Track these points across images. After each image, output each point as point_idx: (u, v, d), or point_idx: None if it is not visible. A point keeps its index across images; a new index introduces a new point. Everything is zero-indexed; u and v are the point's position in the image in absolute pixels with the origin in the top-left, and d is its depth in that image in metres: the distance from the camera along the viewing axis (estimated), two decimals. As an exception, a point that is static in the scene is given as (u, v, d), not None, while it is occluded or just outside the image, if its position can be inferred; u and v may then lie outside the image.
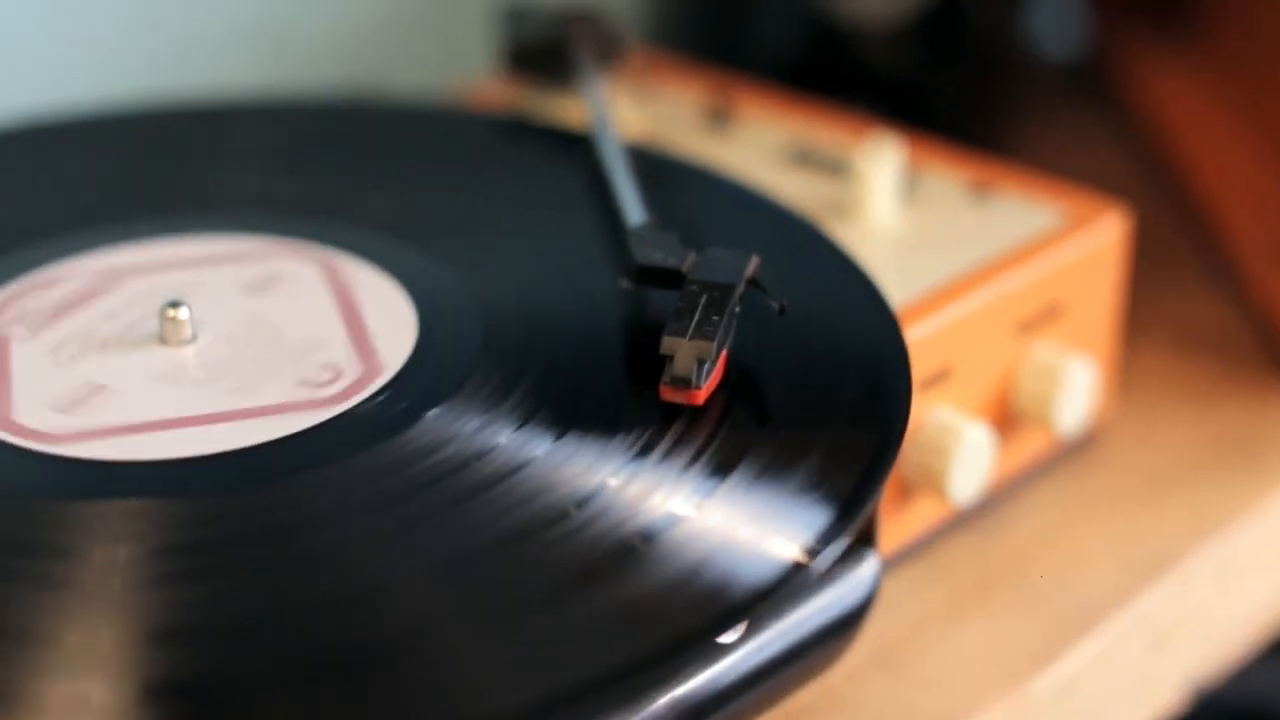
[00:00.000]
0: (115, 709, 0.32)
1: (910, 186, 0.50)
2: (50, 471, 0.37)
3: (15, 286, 0.43)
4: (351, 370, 0.39)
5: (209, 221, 0.46)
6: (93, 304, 0.42)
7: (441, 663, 0.32)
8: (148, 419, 0.38)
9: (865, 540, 0.38)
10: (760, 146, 0.53)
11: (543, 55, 0.55)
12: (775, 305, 0.40)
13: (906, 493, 0.45)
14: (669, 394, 0.38)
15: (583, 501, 0.35)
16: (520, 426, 0.37)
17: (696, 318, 0.38)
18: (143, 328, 0.41)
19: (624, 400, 0.38)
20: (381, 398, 0.38)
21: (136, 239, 0.45)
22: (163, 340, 0.41)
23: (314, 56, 0.65)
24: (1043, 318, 0.47)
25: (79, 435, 0.38)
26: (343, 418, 0.38)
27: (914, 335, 0.43)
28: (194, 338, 0.41)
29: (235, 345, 0.41)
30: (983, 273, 0.46)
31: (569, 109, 0.54)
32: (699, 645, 0.33)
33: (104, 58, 0.61)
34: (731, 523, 0.35)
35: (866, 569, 0.38)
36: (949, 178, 0.51)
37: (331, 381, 0.39)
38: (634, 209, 0.44)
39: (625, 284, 0.41)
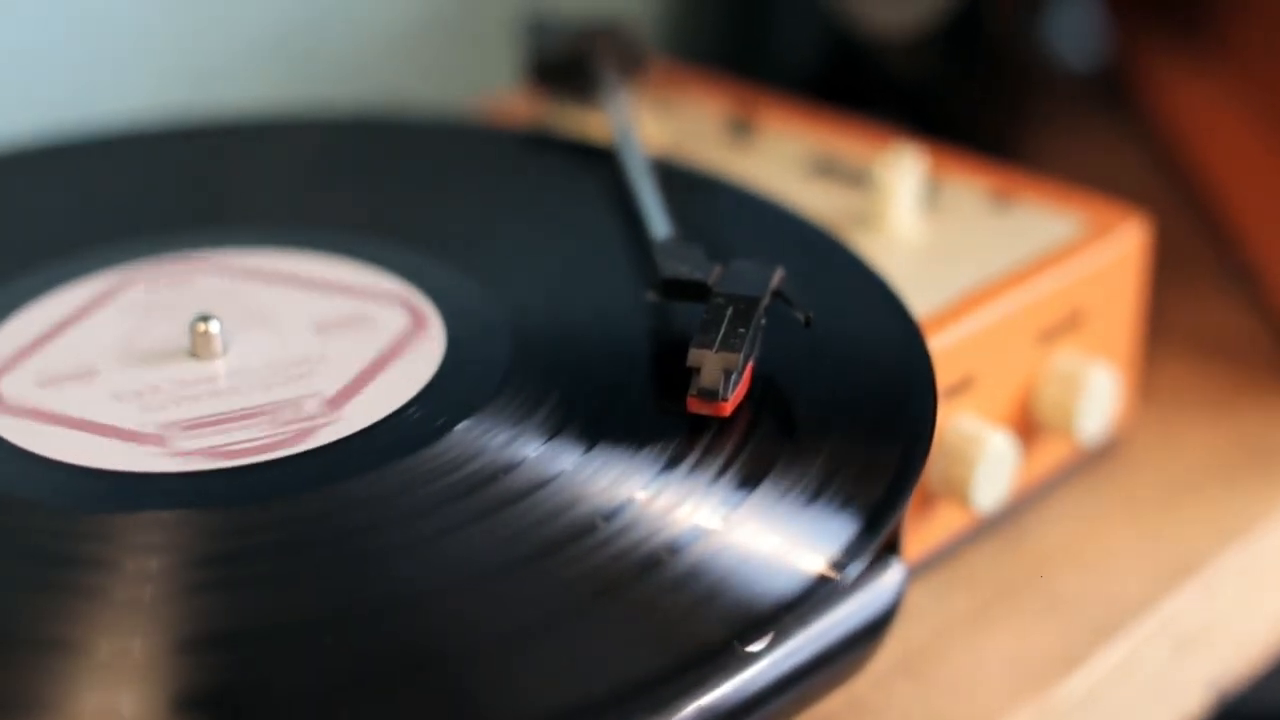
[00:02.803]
0: (146, 719, 0.32)
1: (931, 196, 0.51)
2: (81, 483, 0.37)
3: (41, 304, 0.44)
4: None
5: (235, 235, 0.46)
6: (122, 318, 0.43)
7: (470, 674, 0.33)
8: (175, 431, 0.39)
9: (890, 548, 0.38)
10: (782, 158, 0.53)
11: (565, 69, 0.56)
12: (801, 317, 0.40)
13: (930, 501, 0.45)
14: (696, 406, 0.38)
15: (611, 514, 0.36)
16: (549, 440, 0.38)
17: (723, 330, 0.39)
18: (173, 342, 0.42)
19: (651, 413, 0.39)
20: (410, 411, 0.39)
21: (165, 254, 0.45)
22: (193, 354, 0.41)
23: (337, 72, 0.66)
24: (1064, 326, 0.48)
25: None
26: (372, 430, 0.38)
27: (937, 345, 0.43)
28: (224, 351, 0.41)
29: (263, 359, 0.41)
30: (1004, 282, 0.46)
31: (592, 122, 0.54)
32: (726, 655, 0.34)
33: (129, 74, 0.61)
34: (758, 535, 0.36)
35: (892, 577, 0.38)
36: (970, 187, 0.51)
37: (358, 395, 0.39)
38: (659, 222, 0.45)
39: (651, 297, 0.42)
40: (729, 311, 0.39)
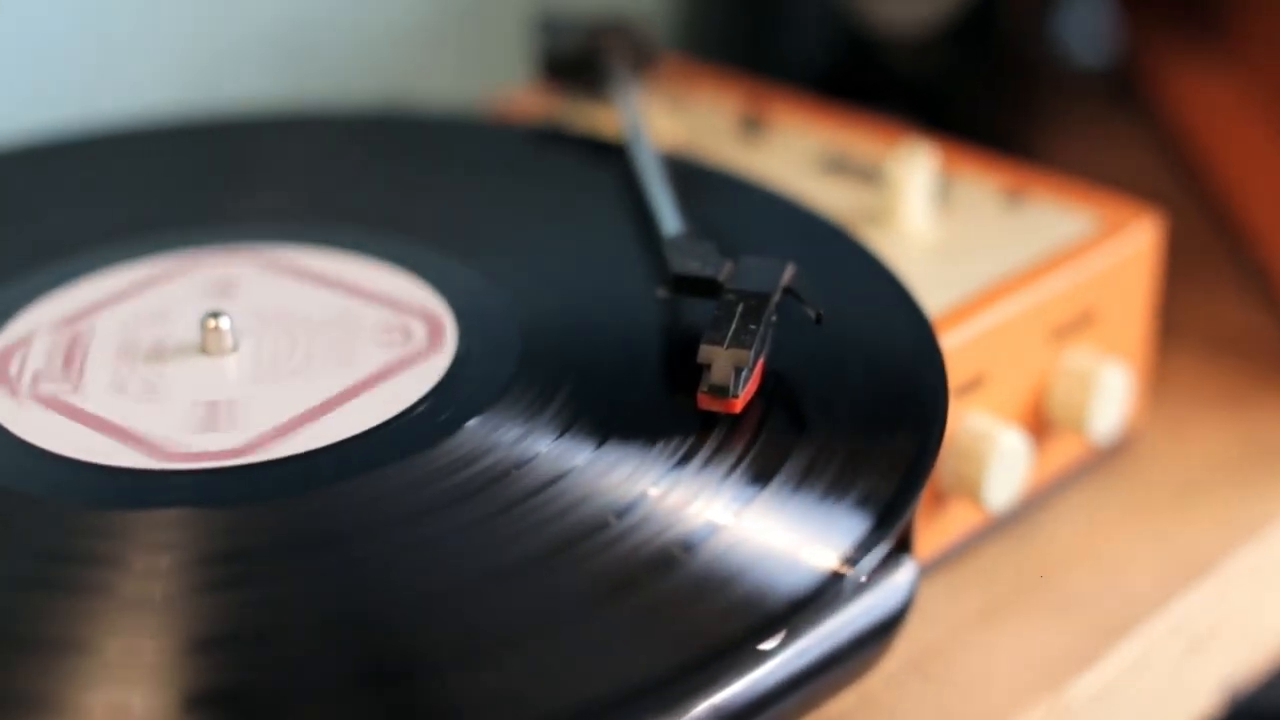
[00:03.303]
0: (157, 718, 0.32)
1: (944, 193, 0.51)
2: (91, 480, 0.37)
3: (55, 298, 0.44)
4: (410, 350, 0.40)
5: (246, 232, 0.46)
6: (133, 314, 0.43)
7: (481, 672, 0.33)
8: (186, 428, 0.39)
9: (902, 547, 0.38)
10: (794, 154, 0.53)
11: (577, 65, 0.56)
12: (812, 314, 0.40)
13: (942, 499, 0.45)
14: (707, 402, 0.38)
15: (622, 511, 0.36)
16: (560, 436, 0.38)
17: (734, 326, 0.38)
18: (184, 337, 0.42)
19: (662, 409, 0.39)
20: (422, 407, 0.39)
21: (178, 250, 0.45)
22: (204, 350, 0.41)
23: (348, 68, 0.66)
24: (1076, 324, 0.47)
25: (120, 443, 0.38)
26: (383, 427, 0.38)
27: (949, 342, 0.43)
28: (234, 348, 0.41)
29: (273, 356, 0.41)
30: (1017, 279, 0.46)
31: (603, 118, 0.54)
32: (738, 652, 0.33)
33: (137, 70, 0.61)
34: (770, 531, 0.35)
35: (903, 575, 0.38)
36: (982, 184, 0.51)
37: (368, 392, 0.39)
38: (670, 218, 0.45)
39: (662, 293, 0.42)
40: (740, 308, 0.39)
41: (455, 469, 0.37)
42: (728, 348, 0.38)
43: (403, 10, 0.66)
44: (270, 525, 0.36)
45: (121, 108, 0.60)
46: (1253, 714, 0.54)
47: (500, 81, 0.65)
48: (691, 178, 0.48)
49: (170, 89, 0.62)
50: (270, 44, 0.64)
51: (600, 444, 0.37)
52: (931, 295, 0.45)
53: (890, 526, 0.36)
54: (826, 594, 0.35)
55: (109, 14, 0.60)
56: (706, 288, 0.41)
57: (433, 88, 0.67)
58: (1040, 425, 0.48)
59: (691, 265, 0.41)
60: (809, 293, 0.40)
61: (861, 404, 0.39)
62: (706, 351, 0.38)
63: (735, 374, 0.38)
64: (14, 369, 0.41)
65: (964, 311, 0.45)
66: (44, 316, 0.43)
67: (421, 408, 0.39)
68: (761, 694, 0.34)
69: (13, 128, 0.56)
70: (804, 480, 0.37)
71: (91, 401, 0.40)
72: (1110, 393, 0.47)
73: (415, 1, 0.67)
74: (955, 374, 0.43)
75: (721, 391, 0.38)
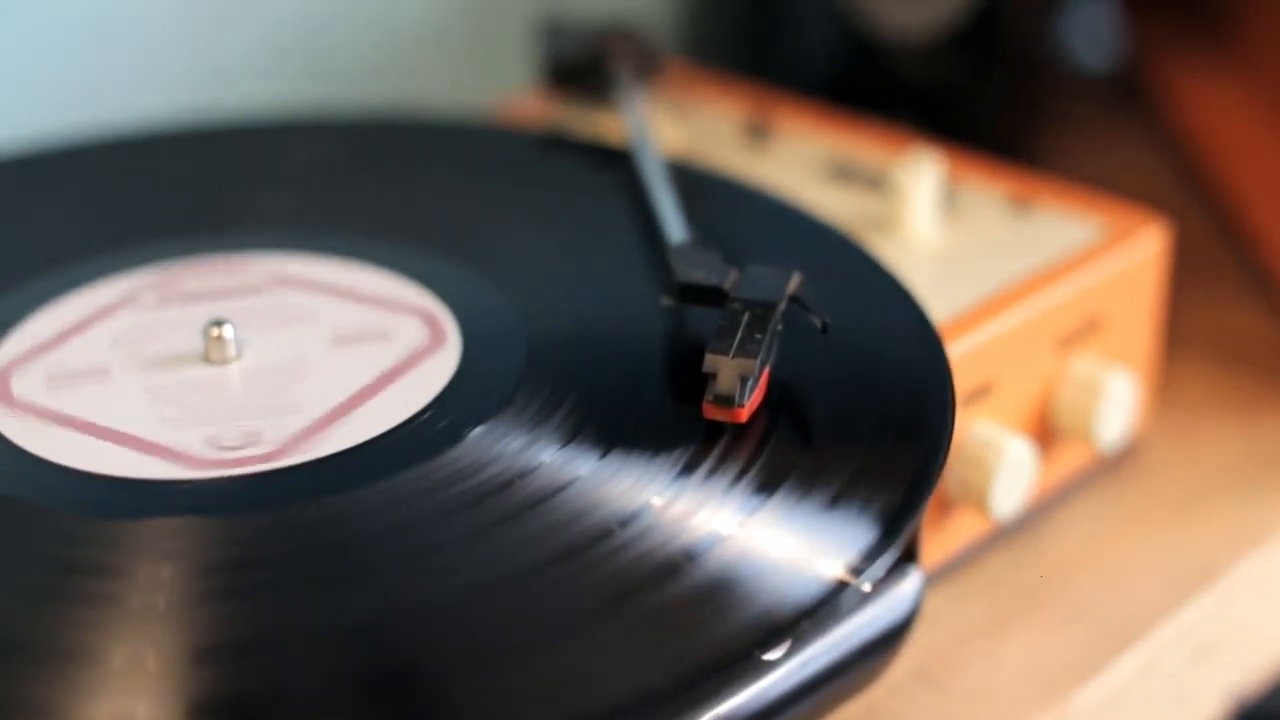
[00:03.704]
0: (162, 727, 0.32)
1: (949, 201, 0.50)
2: (93, 490, 0.37)
3: (56, 308, 0.43)
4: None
5: (249, 239, 0.46)
6: (134, 323, 0.43)
7: (485, 682, 0.32)
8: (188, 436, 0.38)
9: (908, 556, 0.38)
10: (799, 161, 0.53)
11: (581, 71, 0.56)
12: (818, 323, 0.40)
13: (948, 507, 0.45)
14: (712, 412, 0.38)
15: (627, 520, 0.36)
16: (564, 445, 0.38)
17: (739, 336, 0.38)
18: (186, 346, 0.42)
19: (667, 418, 0.38)
20: (425, 416, 0.39)
21: (179, 257, 0.45)
22: (206, 359, 0.41)
23: (352, 73, 0.66)
24: (1083, 331, 0.47)
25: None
26: (388, 436, 0.38)
27: (955, 351, 0.43)
28: (237, 356, 0.41)
29: (277, 364, 0.41)
30: (1023, 287, 0.46)
31: (608, 124, 0.54)
32: (743, 663, 0.33)
33: (141, 77, 0.61)
34: (776, 541, 0.35)
35: (909, 584, 0.38)
36: (988, 191, 0.51)
37: (373, 400, 0.39)
38: (675, 226, 0.44)
39: (667, 302, 0.42)
40: (745, 317, 0.39)
41: (459, 478, 0.37)
42: (733, 357, 0.38)
43: (408, 16, 0.66)
44: (274, 535, 0.36)
45: (123, 114, 0.60)
46: (1259, 722, 0.54)
47: (505, 87, 0.65)
48: (696, 185, 0.48)
49: (173, 95, 0.62)
50: (274, 49, 0.64)
51: (604, 453, 0.37)
52: (937, 303, 0.45)
53: (896, 536, 0.36)
54: (832, 604, 0.34)
55: (112, 20, 0.60)
56: (712, 296, 0.40)
57: (437, 93, 0.67)
58: (1046, 433, 0.47)
59: (696, 274, 0.41)
60: (815, 301, 0.40)
61: (868, 413, 0.39)
62: (712, 361, 0.38)
63: (741, 383, 0.38)
64: (16, 384, 0.41)
65: (970, 320, 0.45)
66: (45, 328, 0.43)
67: (425, 417, 0.39)
68: (766, 704, 0.34)
69: (12, 135, 0.56)
70: (809, 490, 0.36)
71: (93, 410, 0.39)
72: (1116, 401, 0.47)
73: (420, 7, 0.66)
74: (961, 382, 0.43)
75: (727, 401, 0.38)
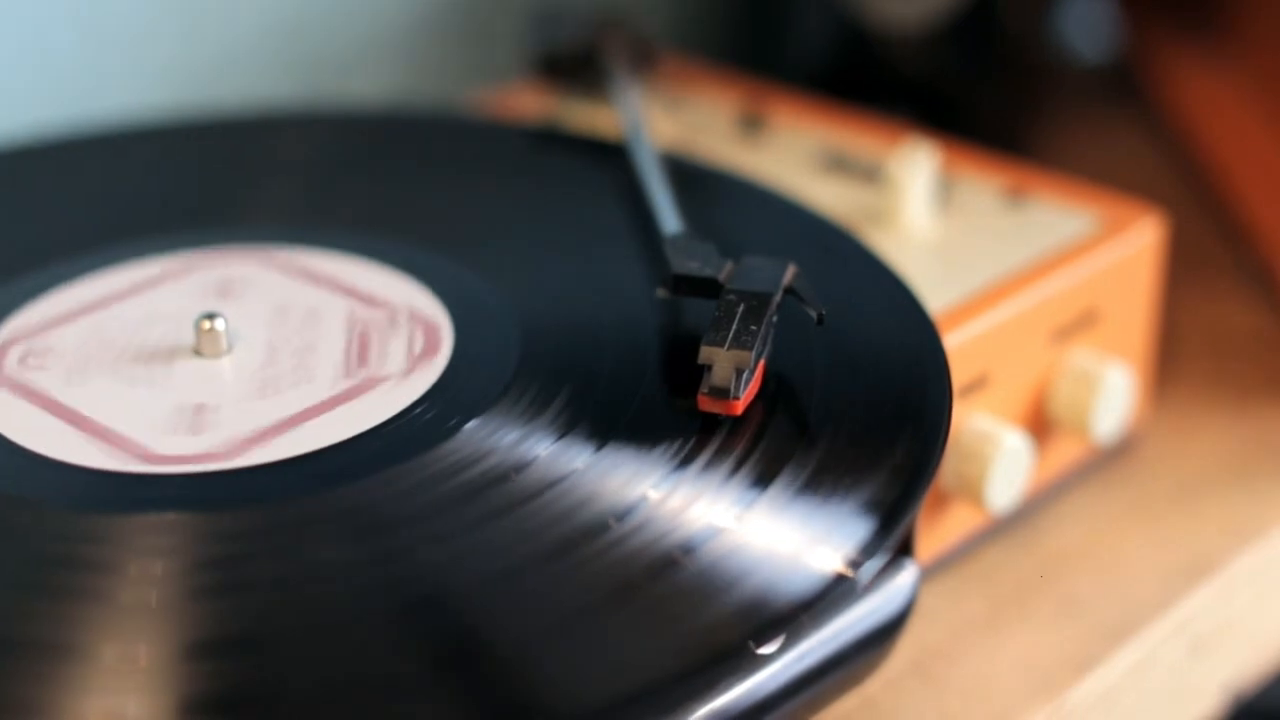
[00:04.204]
0: (154, 724, 0.32)
1: (945, 193, 0.50)
2: (85, 484, 0.37)
3: (54, 297, 0.43)
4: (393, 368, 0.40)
5: (236, 233, 0.46)
6: (129, 314, 0.42)
7: (481, 676, 0.32)
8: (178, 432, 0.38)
9: (904, 549, 0.38)
10: (794, 153, 0.53)
11: (575, 63, 0.55)
12: (813, 314, 0.40)
13: (944, 501, 0.45)
14: (707, 404, 0.38)
15: (623, 514, 0.35)
16: (559, 438, 0.37)
17: (734, 327, 0.38)
18: (177, 339, 0.41)
19: (663, 411, 0.38)
20: (420, 409, 0.38)
21: (168, 251, 0.45)
22: (198, 352, 0.41)
23: (344, 67, 0.65)
24: (1079, 324, 0.47)
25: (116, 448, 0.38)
26: (381, 429, 0.38)
27: (951, 342, 0.43)
28: (229, 349, 0.41)
29: (269, 357, 0.41)
30: (1019, 279, 0.46)
31: (602, 117, 0.54)
32: (738, 656, 0.33)
33: (134, 72, 0.61)
34: (772, 534, 0.35)
35: (905, 578, 0.37)
36: (983, 184, 0.51)
37: (367, 393, 0.39)
38: (670, 218, 0.44)
39: (662, 293, 0.41)
40: (741, 309, 0.39)
41: (454, 472, 0.36)
42: (728, 349, 0.38)
43: (401, 9, 0.66)
44: (266, 529, 0.35)
45: (121, 108, 0.59)
46: (1256, 716, 0.54)
47: (498, 80, 0.65)
48: (691, 177, 0.48)
49: (169, 90, 0.61)
50: (268, 44, 0.64)
51: (600, 446, 0.37)
52: (933, 295, 0.44)
53: (892, 529, 0.36)
54: (828, 597, 0.34)
55: (109, 13, 0.60)
56: (707, 288, 0.40)
57: (431, 86, 0.67)
58: (1042, 426, 0.47)
59: (692, 265, 0.41)
60: (810, 293, 0.40)
61: (863, 405, 0.39)
62: (707, 353, 0.38)
63: (736, 375, 0.37)
64: (2, 374, 0.40)
65: (966, 312, 0.45)
66: (33, 320, 0.43)
67: (419, 410, 0.38)
68: (762, 698, 0.34)
69: (10, 127, 0.56)
70: (805, 483, 0.36)
71: (83, 402, 0.39)
72: (1113, 393, 0.47)
73: (413, 0, 0.66)
74: (958, 374, 0.43)
75: (722, 393, 0.37)
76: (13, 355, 0.41)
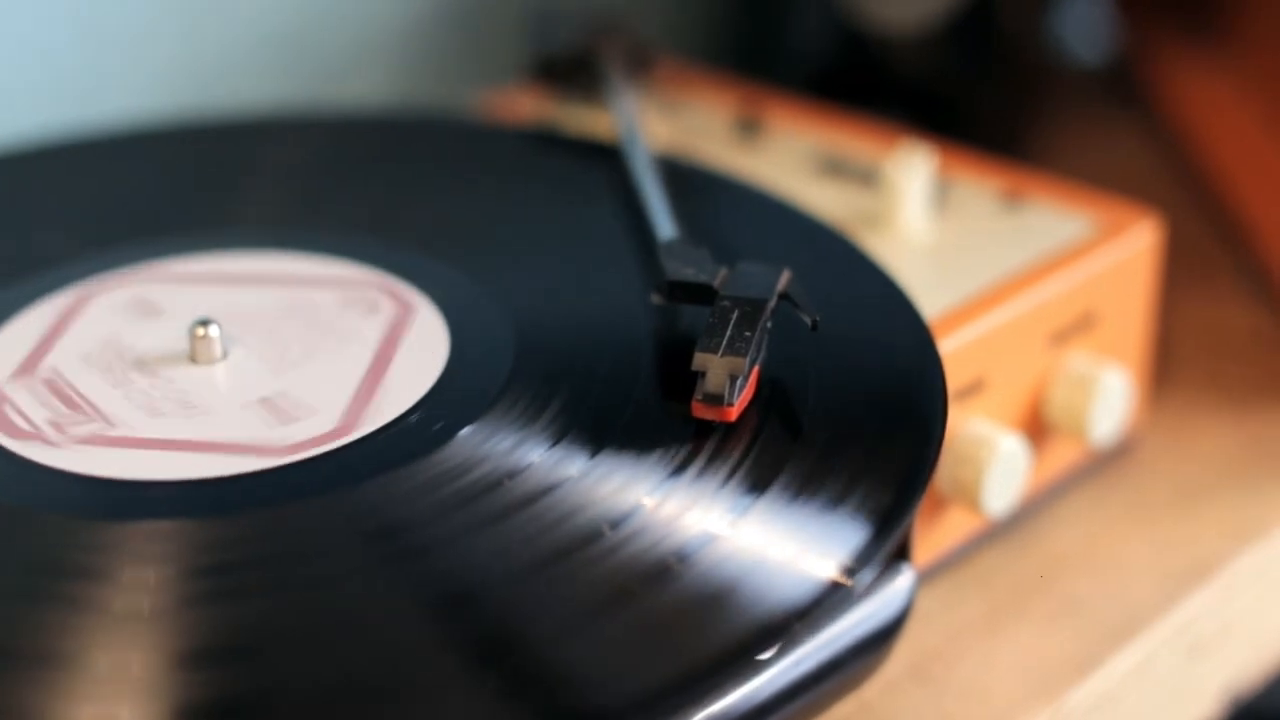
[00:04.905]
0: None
1: (941, 196, 0.50)
2: (78, 491, 0.37)
3: (50, 302, 0.43)
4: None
5: (233, 237, 0.46)
6: (124, 321, 0.42)
7: (475, 685, 0.32)
8: (176, 438, 0.38)
9: (900, 554, 0.38)
10: (790, 157, 0.53)
11: (571, 67, 0.55)
12: (808, 320, 0.40)
13: (940, 505, 0.45)
14: (701, 411, 0.38)
15: (617, 521, 0.35)
16: (553, 445, 0.37)
17: (728, 334, 0.38)
18: (173, 346, 0.41)
19: (657, 418, 0.38)
20: (413, 416, 0.38)
21: (168, 256, 0.45)
22: (193, 359, 0.41)
23: (340, 70, 0.65)
24: (1076, 327, 0.47)
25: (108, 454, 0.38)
26: (376, 436, 0.38)
27: (947, 347, 0.43)
28: (224, 356, 0.41)
29: (263, 363, 0.41)
30: (1015, 283, 0.46)
31: (598, 120, 0.54)
32: (734, 663, 0.33)
33: (132, 75, 0.61)
34: (767, 540, 0.35)
35: (902, 583, 0.37)
36: (980, 187, 0.51)
37: (359, 400, 0.39)
38: (664, 223, 0.44)
39: (656, 299, 0.41)
40: (735, 315, 0.39)
41: (447, 479, 0.36)
42: (722, 355, 0.38)
43: (397, 12, 0.66)
44: (259, 536, 0.35)
45: (121, 110, 0.59)
46: (1256, 718, 0.54)
47: (495, 83, 0.65)
48: (686, 181, 0.48)
49: (169, 92, 0.61)
50: (266, 47, 0.63)
51: (594, 453, 0.37)
52: (929, 299, 0.44)
53: (889, 535, 0.35)
54: (824, 603, 0.34)
55: (109, 15, 0.60)
56: (701, 294, 0.40)
57: (427, 90, 0.67)
58: (1040, 430, 0.47)
59: (686, 271, 0.41)
60: (804, 299, 0.40)
61: (859, 410, 0.39)
62: (701, 359, 0.38)
63: (730, 382, 0.37)
64: (19, 419, 0.40)
65: (962, 315, 0.44)
66: (32, 323, 0.42)
67: (413, 416, 0.38)
68: (759, 703, 0.34)
69: (10, 128, 0.56)
70: (801, 489, 0.36)
71: (132, 427, 0.39)
72: (1110, 396, 0.47)
73: (409, 4, 0.66)
74: (954, 378, 0.43)
75: (716, 399, 0.37)
76: (3, 371, 0.41)
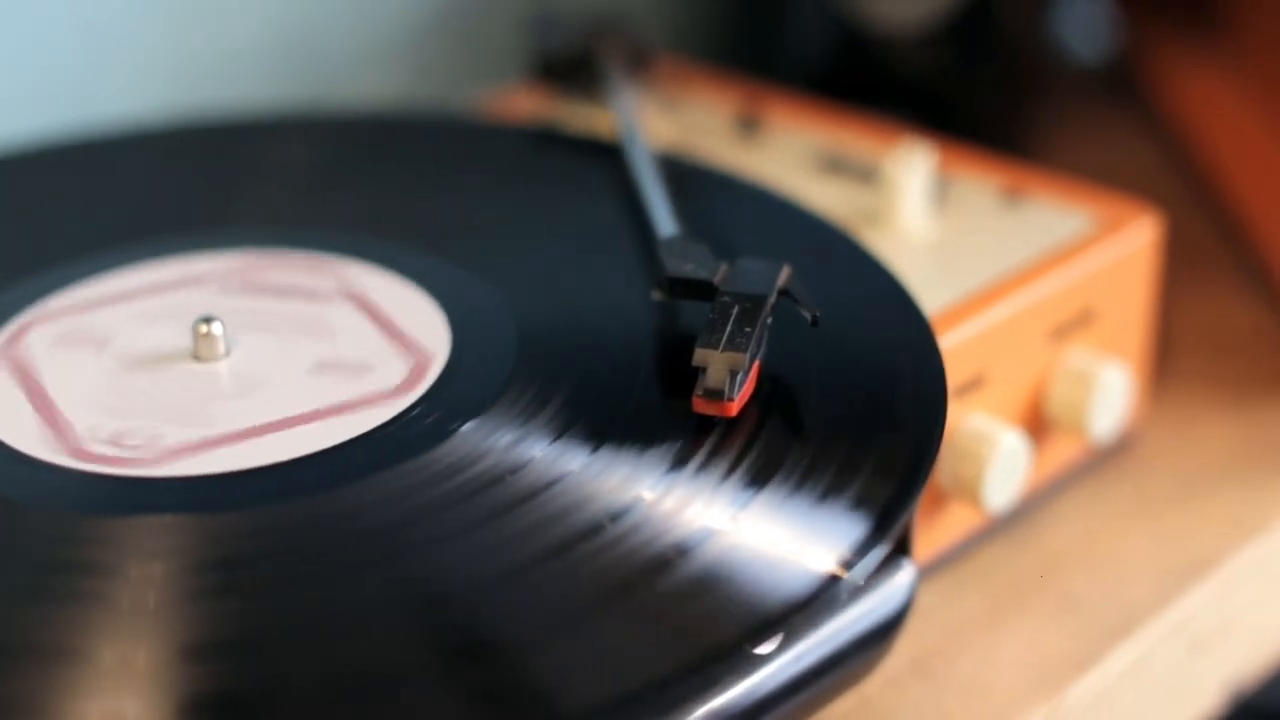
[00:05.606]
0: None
1: (941, 193, 0.50)
2: (85, 487, 0.37)
3: (48, 303, 0.43)
4: (386, 383, 0.40)
5: (236, 236, 0.46)
6: (125, 321, 0.43)
7: (479, 677, 0.32)
8: (182, 435, 0.38)
9: (901, 549, 0.38)
10: (790, 154, 0.53)
11: (571, 66, 0.55)
12: (808, 315, 0.40)
13: (941, 500, 0.45)
14: (702, 406, 0.38)
15: (618, 515, 0.35)
16: (555, 440, 0.37)
17: (729, 329, 0.38)
18: (175, 343, 0.41)
19: (658, 413, 0.38)
20: (416, 412, 0.38)
21: (167, 255, 0.45)
22: (196, 356, 0.41)
23: (341, 70, 0.65)
24: (1076, 323, 0.47)
25: (115, 451, 0.38)
26: (378, 432, 0.38)
27: (947, 343, 0.43)
28: (227, 353, 0.41)
29: (268, 361, 0.41)
30: (1015, 279, 0.46)
31: (598, 119, 0.54)
32: (735, 657, 0.33)
33: (133, 75, 0.61)
34: (767, 535, 0.35)
35: (902, 578, 0.37)
36: (980, 183, 0.51)
37: (364, 397, 0.39)
38: (665, 220, 0.44)
39: (657, 296, 0.41)
40: (735, 310, 0.39)
41: (449, 474, 0.36)
42: (723, 351, 0.38)
43: (399, 12, 0.66)
44: (264, 531, 0.35)
45: (122, 112, 0.60)
46: (1256, 713, 0.54)
47: (495, 82, 0.65)
48: (687, 179, 0.48)
49: (169, 93, 0.61)
50: (267, 48, 0.64)
51: (595, 448, 0.37)
52: (929, 295, 0.44)
53: (889, 529, 0.36)
54: (824, 597, 0.34)
55: (106, 17, 0.60)
56: (701, 290, 0.40)
57: (429, 89, 0.67)
58: (1040, 425, 0.47)
59: (686, 268, 0.41)
60: (805, 294, 0.40)
61: (859, 406, 0.39)
62: (701, 355, 0.38)
63: (730, 377, 0.38)
64: (81, 430, 0.40)
65: (962, 311, 0.45)
66: (37, 320, 0.43)
67: (415, 412, 0.38)
68: (759, 698, 0.34)
69: (10, 130, 0.56)
70: (801, 483, 0.36)
71: (80, 404, 0.39)
72: (1110, 392, 0.47)
73: (409, 4, 0.66)
74: (954, 374, 0.43)
75: (717, 395, 0.37)
76: (5, 367, 0.41)
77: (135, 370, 0.41)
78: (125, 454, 0.38)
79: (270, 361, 0.41)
